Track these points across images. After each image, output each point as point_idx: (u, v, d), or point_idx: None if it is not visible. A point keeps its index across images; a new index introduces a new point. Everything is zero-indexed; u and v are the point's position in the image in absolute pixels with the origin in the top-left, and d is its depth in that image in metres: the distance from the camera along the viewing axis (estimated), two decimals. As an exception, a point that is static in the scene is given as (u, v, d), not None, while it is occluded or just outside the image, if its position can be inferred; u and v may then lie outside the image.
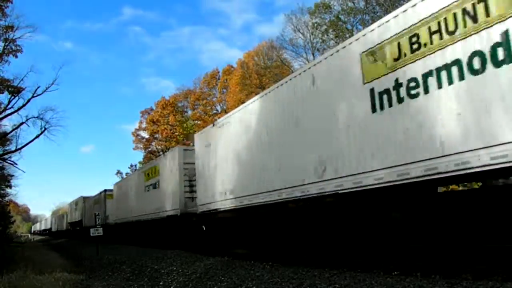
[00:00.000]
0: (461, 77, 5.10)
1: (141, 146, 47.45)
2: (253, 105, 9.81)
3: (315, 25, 28.57)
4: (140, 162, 45.21)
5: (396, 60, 5.96)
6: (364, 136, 6.48)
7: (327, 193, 7.23)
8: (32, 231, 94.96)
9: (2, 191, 37.31)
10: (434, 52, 5.40)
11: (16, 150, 25.15)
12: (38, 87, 23.39)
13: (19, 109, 23.41)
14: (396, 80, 5.93)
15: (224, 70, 42.30)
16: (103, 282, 10.30)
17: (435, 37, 5.40)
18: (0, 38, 21.88)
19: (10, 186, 37.56)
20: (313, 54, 29.46)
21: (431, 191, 6.25)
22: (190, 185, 13.99)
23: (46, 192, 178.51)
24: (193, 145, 13.71)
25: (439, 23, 5.35)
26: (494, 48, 4.79)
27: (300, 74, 8.25)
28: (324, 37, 28.67)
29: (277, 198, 8.62)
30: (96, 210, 24.35)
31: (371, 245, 6.98)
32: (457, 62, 5.15)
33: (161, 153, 38.29)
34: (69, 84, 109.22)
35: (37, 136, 24.11)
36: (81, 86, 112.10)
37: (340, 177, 6.92)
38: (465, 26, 5.06)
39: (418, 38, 5.62)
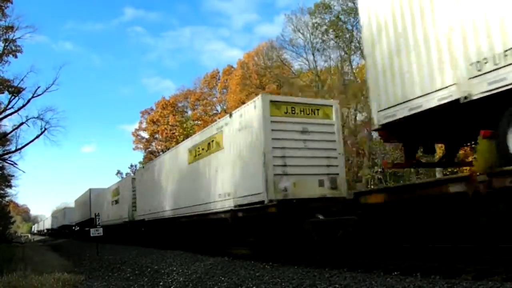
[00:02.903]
0: None
1: (141, 146, 47.58)
2: None
3: (315, 25, 28.62)
4: (140, 162, 45.27)
5: None
6: None
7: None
8: (34, 231, 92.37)
9: (2, 191, 37.35)
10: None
11: (16, 150, 25.25)
12: (38, 87, 23.45)
13: (19, 109, 23.49)
14: None
15: (224, 70, 42.38)
16: (103, 282, 10.30)
17: None
18: (0, 38, 21.94)
19: (10, 186, 37.61)
20: (313, 54, 29.53)
21: None
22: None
23: (46, 193, 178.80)
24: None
25: None
26: None
27: None
28: (324, 37, 28.71)
29: None
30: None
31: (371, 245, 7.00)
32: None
33: (161, 153, 38.33)
34: (69, 85, 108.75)
35: (37, 136, 24.17)
36: (81, 86, 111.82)
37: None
38: None
39: None
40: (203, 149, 11.97)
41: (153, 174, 17.06)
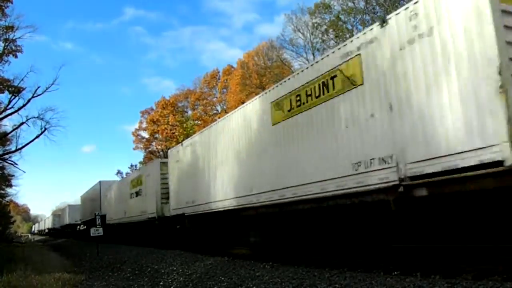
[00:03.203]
0: None
1: (141, 146, 47.61)
2: None
3: (315, 25, 28.62)
4: (140, 162, 45.30)
5: None
6: None
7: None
8: (35, 231, 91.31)
9: (2, 191, 37.34)
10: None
11: (16, 150, 25.23)
12: (38, 87, 23.45)
13: (19, 109, 23.49)
14: None
15: (224, 70, 42.39)
16: (103, 282, 10.30)
17: None
18: (0, 38, 21.95)
19: (11, 186, 37.60)
20: (313, 54, 29.49)
21: None
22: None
23: (46, 192, 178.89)
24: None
25: None
26: None
27: None
28: (324, 37, 28.72)
29: None
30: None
31: (371, 245, 6.98)
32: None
33: (161, 153, 38.27)
34: (69, 84, 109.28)
35: (37, 136, 24.16)
36: (81, 86, 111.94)
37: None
38: None
39: None
40: (308, 95, 7.68)
41: (200, 152, 12.49)
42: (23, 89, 22.85)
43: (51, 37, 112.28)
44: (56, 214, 56.72)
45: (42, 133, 24.02)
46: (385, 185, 6.01)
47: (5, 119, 24.50)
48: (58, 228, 50.48)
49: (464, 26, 5.05)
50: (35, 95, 23.29)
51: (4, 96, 23.19)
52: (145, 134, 47.19)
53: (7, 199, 42.69)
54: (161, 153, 41.35)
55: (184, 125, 43.01)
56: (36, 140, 24.36)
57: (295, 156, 8.00)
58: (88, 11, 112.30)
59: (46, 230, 65.85)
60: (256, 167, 9.32)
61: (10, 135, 25.32)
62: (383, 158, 6.10)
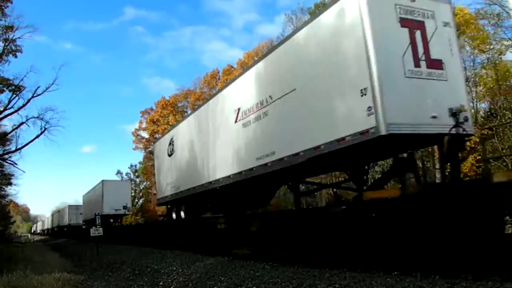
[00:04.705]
0: None
1: (141, 146, 47.57)
2: None
3: (315, 25, 28.60)
4: (140, 163, 45.27)
5: None
6: None
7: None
8: (38, 231, 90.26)
9: (2, 192, 37.31)
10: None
11: (16, 150, 25.25)
12: (38, 87, 23.49)
13: (19, 109, 23.52)
14: None
15: (224, 70, 42.33)
16: (103, 282, 10.30)
17: None
18: (0, 38, 21.97)
19: (11, 184, 37.54)
20: (313, 54, 29.48)
21: None
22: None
23: (46, 192, 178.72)
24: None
25: None
26: None
27: None
28: (324, 37, 28.70)
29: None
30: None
31: (371, 244, 6.97)
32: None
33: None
34: (69, 84, 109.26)
35: (37, 136, 24.19)
36: (81, 86, 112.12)
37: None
38: None
39: None
40: None
41: None
42: (24, 87, 22.90)
43: (51, 37, 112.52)
44: (72, 206, 42.85)
45: (42, 133, 24.07)
46: None
47: (5, 119, 24.55)
48: (76, 225, 37.04)
49: None
50: (35, 95, 23.35)
51: (4, 96, 23.25)
52: (145, 134, 47.16)
53: (7, 199, 42.66)
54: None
55: (184, 125, 42.95)
56: (36, 140, 24.43)
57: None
58: (88, 11, 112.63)
59: (56, 229, 51.30)
60: None
61: (10, 135, 25.35)
62: None
